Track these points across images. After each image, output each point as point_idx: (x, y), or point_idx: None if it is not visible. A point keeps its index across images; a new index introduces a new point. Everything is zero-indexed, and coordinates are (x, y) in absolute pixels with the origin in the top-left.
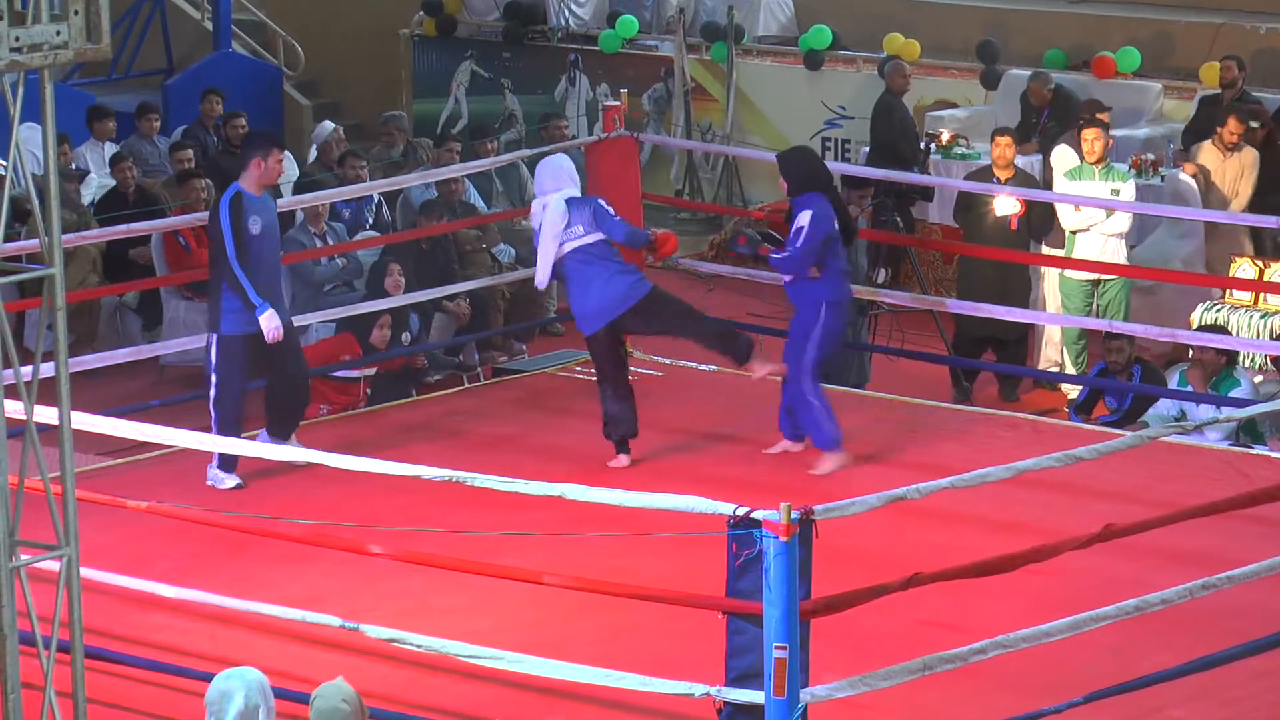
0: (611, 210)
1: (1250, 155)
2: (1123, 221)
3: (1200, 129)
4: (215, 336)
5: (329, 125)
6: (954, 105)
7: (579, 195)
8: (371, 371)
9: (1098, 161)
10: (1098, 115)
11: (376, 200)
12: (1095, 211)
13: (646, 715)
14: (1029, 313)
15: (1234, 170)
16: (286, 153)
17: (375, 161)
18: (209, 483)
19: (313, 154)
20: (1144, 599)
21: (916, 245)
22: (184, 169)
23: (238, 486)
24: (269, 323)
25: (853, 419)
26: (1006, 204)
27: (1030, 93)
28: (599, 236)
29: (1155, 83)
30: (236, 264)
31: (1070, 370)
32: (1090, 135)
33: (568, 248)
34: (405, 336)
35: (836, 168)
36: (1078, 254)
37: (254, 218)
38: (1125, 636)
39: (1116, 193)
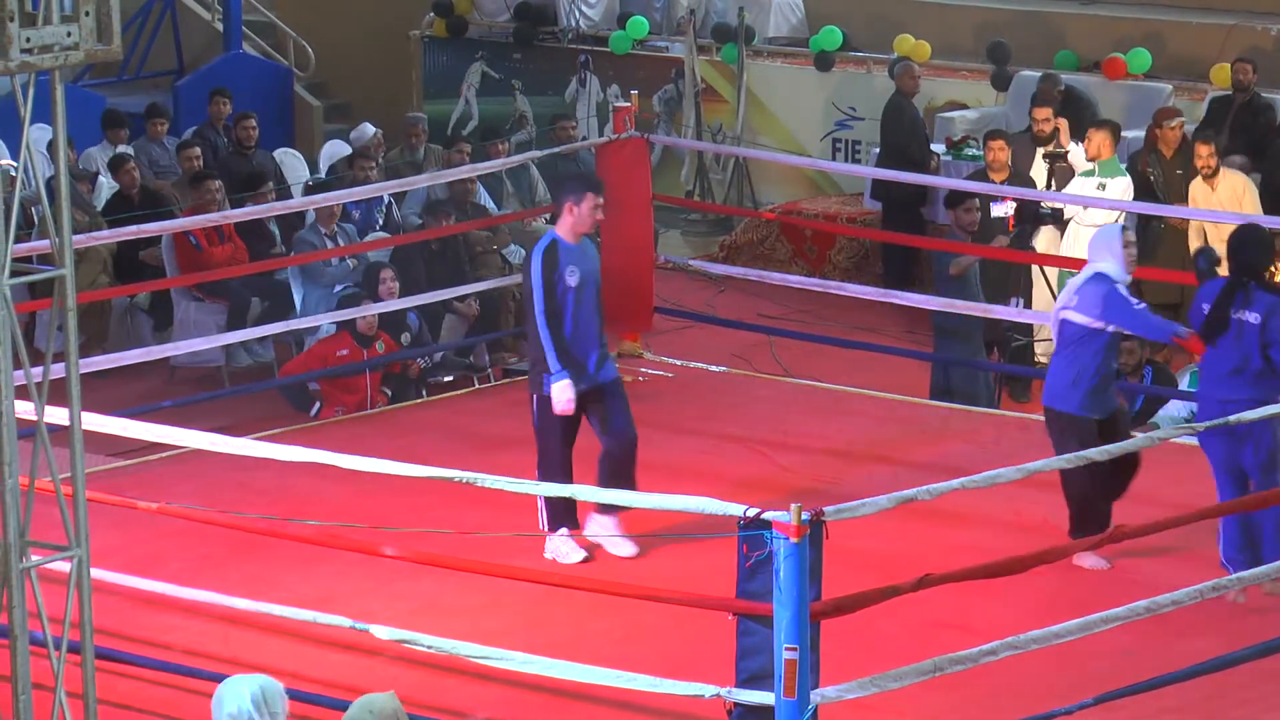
0: (1129, 300)
1: (1240, 180)
2: (1103, 215)
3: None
4: (537, 397)
5: (369, 129)
6: (965, 106)
7: (1107, 272)
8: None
9: (1094, 159)
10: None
11: (387, 201)
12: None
13: (656, 716)
14: (1036, 314)
15: (1227, 198)
16: (296, 153)
17: (399, 161)
18: (549, 555)
19: (334, 149)
20: (1155, 600)
21: (934, 248)
22: (198, 170)
23: (586, 560)
24: (561, 394)
25: (863, 420)
26: (1001, 205)
27: (1040, 94)
28: (1093, 322)
29: (1166, 84)
30: (544, 321)
31: None
32: (1095, 135)
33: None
34: (405, 337)
35: (851, 169)
36: (1068, 247)
37: (571, 268)
38: (1136, 638)
39: (1103, 187)
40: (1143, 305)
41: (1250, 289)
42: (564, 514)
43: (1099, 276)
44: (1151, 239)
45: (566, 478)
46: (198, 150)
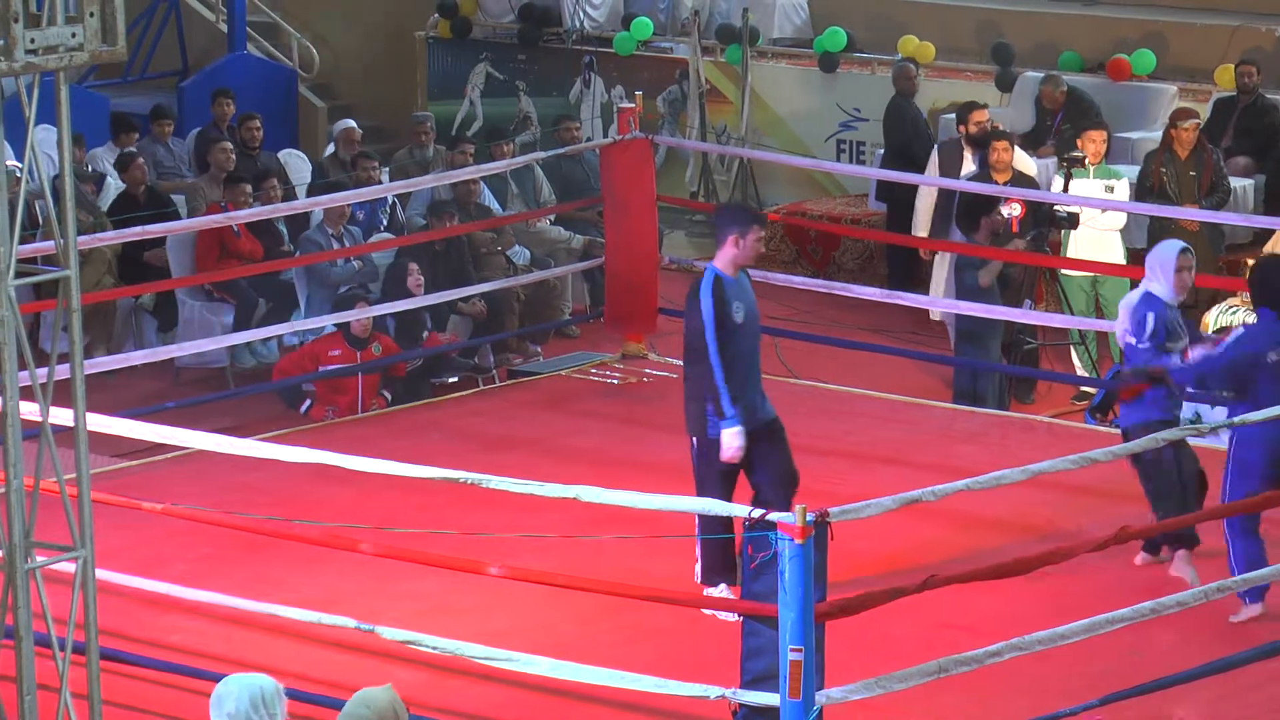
0: (1144, 329)
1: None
2: (1118, 217)
3: (1214, 131)
4: (699, 440)
5: (345, 122)
6: None
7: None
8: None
9: (1096, 162)
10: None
11: (390, 201)
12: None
13: (661, 717)
14: (1042, 314)
15: None
16: (300, 154)
17: (407, 161)
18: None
19: (330, 148)
20: (1160, 601)
21: (937, 249)
22: (231, 173)
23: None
24: (732, 441)
25: (868, 422)
26: (1007, 207)
27: (1043, 95)
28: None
29: (1170, 85)
30: (720, 361)
31: (1081, 371)
32: (1096, 137)
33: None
34: (426, 334)
35: (855, 170)
36: (1073, 250)
37: (737, 304)
38: (1141, 639)
39: (1111, 189)
40: (1150, 344)
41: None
42: (722, 567)
43: (1146, 297)
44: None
45: (727, 527)
46: (227, 144)
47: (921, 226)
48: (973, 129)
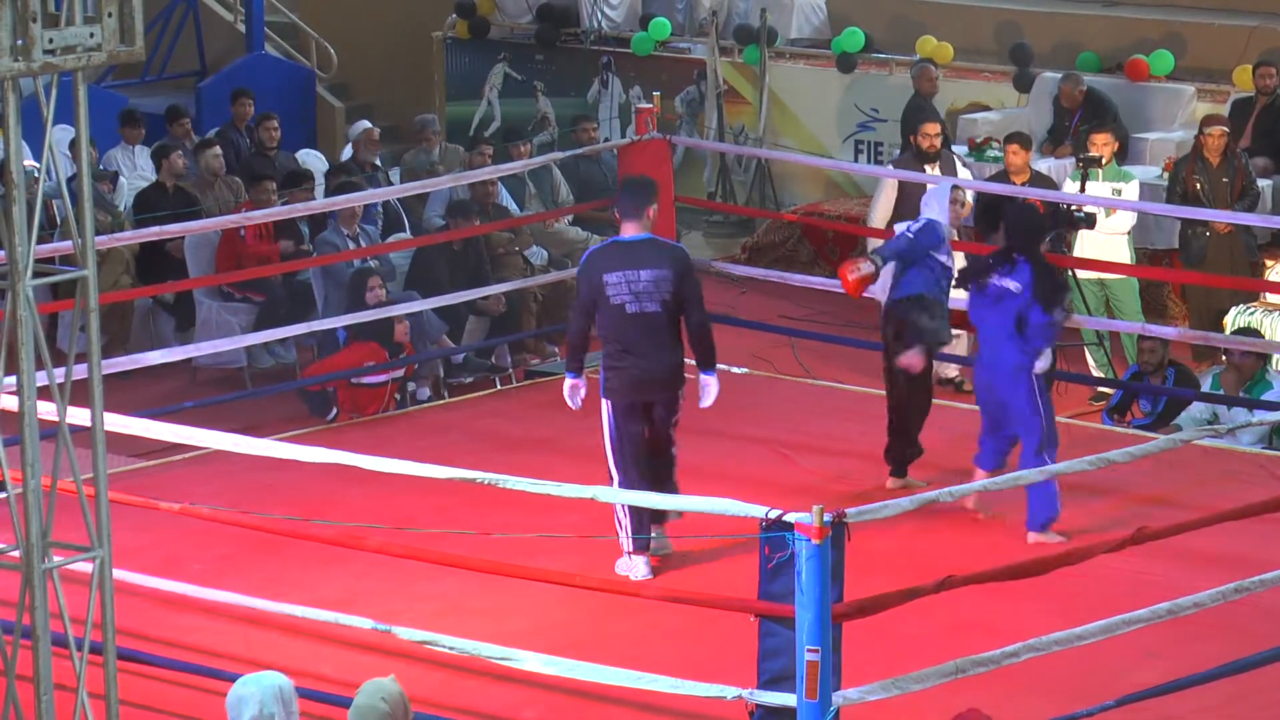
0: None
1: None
2: (1124, 220)
3: (1232, 132)
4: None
5: (362, 124)
6: (987, 108)
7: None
8: (400, 374)
9: (1105, 164)
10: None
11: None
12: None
13: (678, 718)
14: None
15: None
16: (318, 154)
17: (414, 163)
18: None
19: (348, 151)
20: (1177, 602)
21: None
22: (256, 171)
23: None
24: None
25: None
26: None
27: (1062, 95)
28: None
29: (1188, 86)
30: None
31: (1096, 372)
32: (1100, 140)
33: None
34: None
35: (873, 170)
36: (1078, 252)
37: None
38: (1158, 640)
39: (1118, 192)
40: (881, 248)
41: (1017, 260)
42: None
43: (929, 222)
44: (1197, 248)
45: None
46: (218, 149)
47: (877, 223)
48: (923, 143)
